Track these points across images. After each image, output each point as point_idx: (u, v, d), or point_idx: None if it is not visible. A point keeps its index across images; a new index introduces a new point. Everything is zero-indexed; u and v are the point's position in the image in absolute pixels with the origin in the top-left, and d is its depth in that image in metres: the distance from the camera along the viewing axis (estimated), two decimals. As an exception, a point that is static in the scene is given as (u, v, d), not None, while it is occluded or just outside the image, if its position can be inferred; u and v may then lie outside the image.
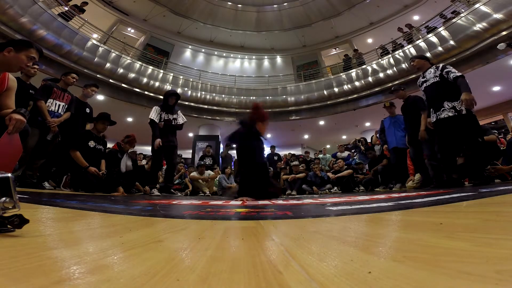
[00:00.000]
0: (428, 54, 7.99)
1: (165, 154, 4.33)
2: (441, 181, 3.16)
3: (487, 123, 9.24)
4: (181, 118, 4.53)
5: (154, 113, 4.21)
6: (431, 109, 3.19)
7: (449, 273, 0.30)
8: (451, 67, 3.09)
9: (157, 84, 9.75)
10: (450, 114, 2.96)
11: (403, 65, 8.62)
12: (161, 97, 9.70)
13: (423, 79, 3.35)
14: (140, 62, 9.69)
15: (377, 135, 6.36)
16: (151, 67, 9.88)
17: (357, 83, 9.83)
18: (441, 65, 3.19)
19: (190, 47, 14.21)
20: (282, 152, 10.18)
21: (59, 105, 3.53)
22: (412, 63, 3.59)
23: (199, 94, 10.55)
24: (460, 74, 2.96)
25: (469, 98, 2.76)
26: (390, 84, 9.00)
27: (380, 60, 9.50)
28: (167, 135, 4.22)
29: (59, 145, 3.62)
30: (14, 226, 0.54)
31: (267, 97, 11.02)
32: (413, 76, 8.07)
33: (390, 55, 9.22)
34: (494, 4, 6.62)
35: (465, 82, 2.87)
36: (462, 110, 2.90)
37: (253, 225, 0.85)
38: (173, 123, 4.36)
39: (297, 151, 12.48)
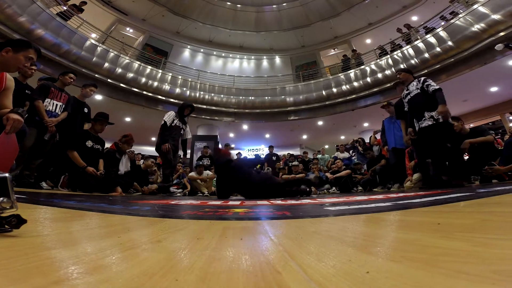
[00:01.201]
0: (426, 55, 8.05)
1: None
2: (437, 181, 3.23)
3: (484, 123, 9.29)
4: (188, 133, 4.85)
5: (168, 117, 4.48)
6: (414, 119, 3.46)
7: (447, 273, 0.30)
8: (430, 80, 3.40)
9: (155, 84, 9.74)
10: (430, 122, 3.24)
11: (402, 66, 8.63)
12: (160, 97, 9.81)
13: (406, 92, 3.60)
14: (138, 62, 9.67)
15: (375, 135, 6.37)
16: (149, 67, 9.87)
17: (355, 84, 9.85)
18: (422, 78, 3.48)
19: (189, 47, 14.20)
20: (281, 152, 10.19)
21: (57, 104, 3.51)
22: (398, 76, 3.83)
23: (197, 94, 10.54)
24: (438, 87, 3.26)
25: (444, 111, 3.12)
26: (388, 85, 9.03)
27: (378, 60, 9.53)
28: (175, 139, 4.50)
29: (57, 145, 3.60)
30: (12, 226, 0.54)
31: (266, 97, 11.03)
32: (412, 76, 8.10)
33: (388, 56, 9.24)
34: (492, 5, 6.65)
35: (442, 95, 3.18)
36: (439, 118, 3.19)
37: (252, 225, 0.85)
38: (181, 132, 4.66)
39: (296, 151, 12.49)
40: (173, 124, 4.49)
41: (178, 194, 5.40)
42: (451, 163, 3.25)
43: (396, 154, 4.59)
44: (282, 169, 7.37)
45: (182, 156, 4.98)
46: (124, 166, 4.45)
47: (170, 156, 4.37)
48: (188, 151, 11.06)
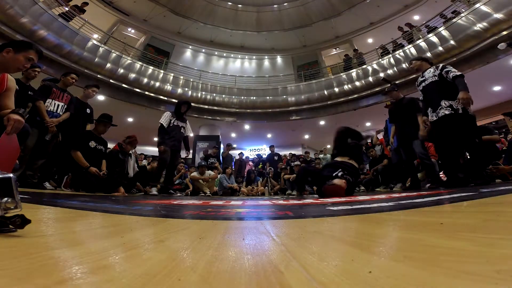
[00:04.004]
0: (428, 54, 7.99)
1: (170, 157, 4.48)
2: (439, 180, 3.17)
3: (487, 123, 9.22)
4: (189, 130, 4.78)
5: (164, 119, 4.46)
6: (429, 109, 3.17)
7: (449, 272, 0.30)
8: (451, 67, 3.08)
9: (157, 84, 9.76)
10: (447, 112, 2.94)
11: (404, 65, 8.61)
12: (162, 97, 9.83)
13: (421, 79, 3.35)
14: (140, 63, 9.69)
15: (378, 135, 6.35)
16: (151, 67, 9.89)
17: (357, 83, 9.83)
18: (441, 65, 3.19)
19: (190, 47, 14.21)
20: (283, 152, 10.19)
21: (58, 105, 3.53)
22: (411, 65, 3.62)
23: (199, 94, 10.55)
24: (460, 73, 2.94)
25: (466, 97, 2.76)
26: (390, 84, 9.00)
27: (380, 60, 9.50)
28: (174, 139, 4.45)
29: (59, 146, 3.62)
30: (16, 226, 0.54)
31: (268, 97, 11.02)
32: (413, 76, 8.05)
33: (390, 55, 9.22)
34: (495, 3, 6.61)
35: (464, 82, 2.87)
36: (458, 109, 2.88)
37: (254, 225, 0.85)
38: (181, 131, 4.60)
39: (298, 151, 12.47)
40: (171, 125, 4.48)
41: (179, 194, 5.41)
42: (482, 160, 2.94)
43: (398, 153, 4.57)
44: (284, 169, 7.37)
45: (186, 155, 4.93)
46: (132, 168, 4.48)
47: (166, 157, 4.35)
48: (191, 151, 11.14)
